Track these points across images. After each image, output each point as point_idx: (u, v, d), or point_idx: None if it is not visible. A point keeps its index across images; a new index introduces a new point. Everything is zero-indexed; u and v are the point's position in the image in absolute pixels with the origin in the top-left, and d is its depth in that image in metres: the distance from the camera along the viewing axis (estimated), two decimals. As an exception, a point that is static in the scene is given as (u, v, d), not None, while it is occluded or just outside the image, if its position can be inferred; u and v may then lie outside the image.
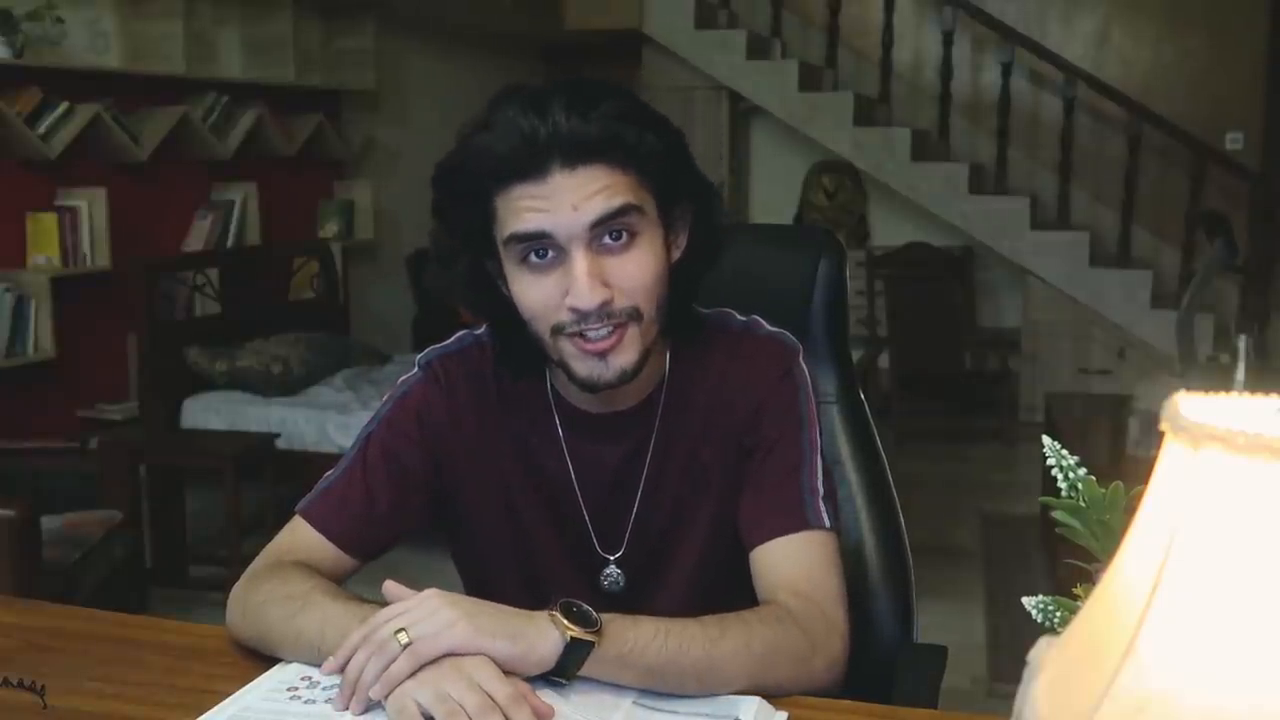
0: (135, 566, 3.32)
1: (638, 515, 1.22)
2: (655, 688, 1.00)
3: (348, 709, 0.97)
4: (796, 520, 1.14)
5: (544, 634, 0.97)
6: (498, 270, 1.13)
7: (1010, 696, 0.56)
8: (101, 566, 2.98)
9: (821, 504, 1.16)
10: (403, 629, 0.96)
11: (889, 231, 6.83)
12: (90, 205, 4.12)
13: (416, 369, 1.25)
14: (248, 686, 1.05)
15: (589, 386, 1.12)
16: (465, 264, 1.15)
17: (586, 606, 0.99)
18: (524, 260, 1.08)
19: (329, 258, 5.12)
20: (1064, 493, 0.90)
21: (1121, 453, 3.64)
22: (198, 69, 4.59)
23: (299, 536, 1.18)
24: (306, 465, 3.96)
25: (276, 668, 1.09)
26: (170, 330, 4.25)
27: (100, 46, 4.22)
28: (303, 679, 1.06)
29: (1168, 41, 6.54)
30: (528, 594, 1.14)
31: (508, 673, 0.95)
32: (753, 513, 1.17)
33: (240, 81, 4.86)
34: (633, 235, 1.08)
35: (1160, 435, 0.50)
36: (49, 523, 2.75)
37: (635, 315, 1.09)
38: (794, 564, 1.13)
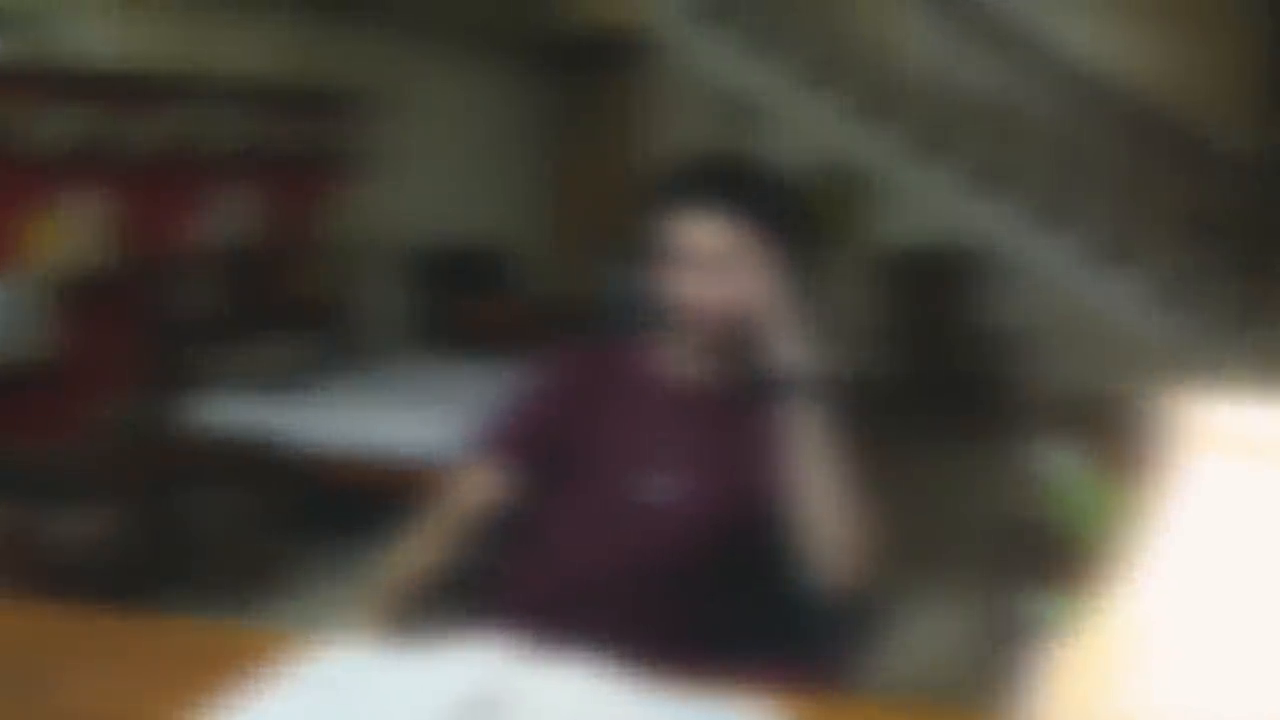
0: (135, 566, 3.32)
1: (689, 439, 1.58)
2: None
3: None
4: None
5: None
6: None
7: (1010, 697, 0.56)
8: (102, 565, 2.97)
9: None
10: None
11: (890, 231, 6.83)
12: (90, 205, 4.12)
13: (560, 353, 1.72)
14: (263, 688, 1.05)
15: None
16: None
17: None
18: None
19: (329, 258, 5.11)
20: (1064, 493, 0.90)
21: (1122, 453, 3.64)
22: (198, 69, 4.59)
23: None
24: (306, 465, 3.96)
25: (294, 667, 1.09)
26: (170, 330, 4.25)
27: (100, 46, 4.21)
28: (318, 680, 1.06)
29: (1168, 42, 6.54)
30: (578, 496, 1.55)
31: None
32: None
33: (240, 81, 4.86)
34: None
35: (1162, 437, 0.50)
36: (49, 523, 2.75)
37: None
38: None
